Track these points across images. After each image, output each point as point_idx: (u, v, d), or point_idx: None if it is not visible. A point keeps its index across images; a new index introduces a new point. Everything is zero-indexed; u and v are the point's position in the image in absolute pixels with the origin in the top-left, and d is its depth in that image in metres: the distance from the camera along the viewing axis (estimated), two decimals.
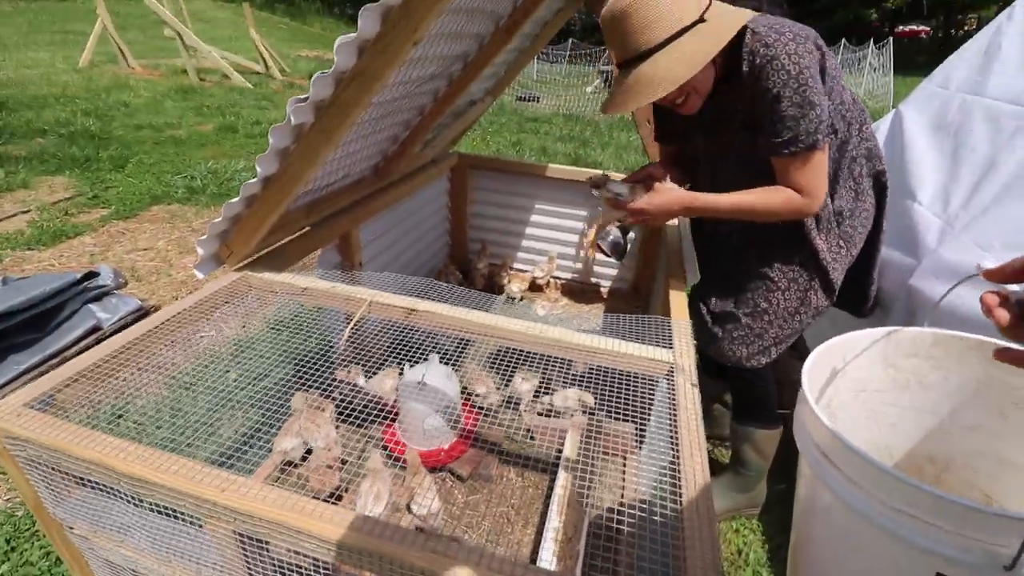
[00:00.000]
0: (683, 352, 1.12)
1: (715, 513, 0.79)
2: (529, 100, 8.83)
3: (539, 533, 1.52)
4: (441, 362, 1.64)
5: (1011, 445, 0.82)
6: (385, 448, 1.64)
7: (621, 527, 1.55)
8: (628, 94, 1.13)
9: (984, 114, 1.46)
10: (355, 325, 1.13)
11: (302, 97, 0.95)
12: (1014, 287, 0.53)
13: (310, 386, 1.30)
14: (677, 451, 0.90)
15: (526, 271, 2.78)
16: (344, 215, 1.60)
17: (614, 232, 2.47)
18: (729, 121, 1.26)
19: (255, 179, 1.04)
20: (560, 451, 1.71)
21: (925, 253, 1.36)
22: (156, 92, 6.98)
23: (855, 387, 0.86)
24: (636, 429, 1.57)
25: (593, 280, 2.81)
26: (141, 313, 2.12)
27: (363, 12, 0.87)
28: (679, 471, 0.87)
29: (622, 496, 1.56)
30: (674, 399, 1.01)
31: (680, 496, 0.83)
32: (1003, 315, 0.52)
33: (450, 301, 1.50)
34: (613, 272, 2.77)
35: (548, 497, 1.62)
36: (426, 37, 1.15)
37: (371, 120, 1.41)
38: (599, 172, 1.89)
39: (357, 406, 1.61)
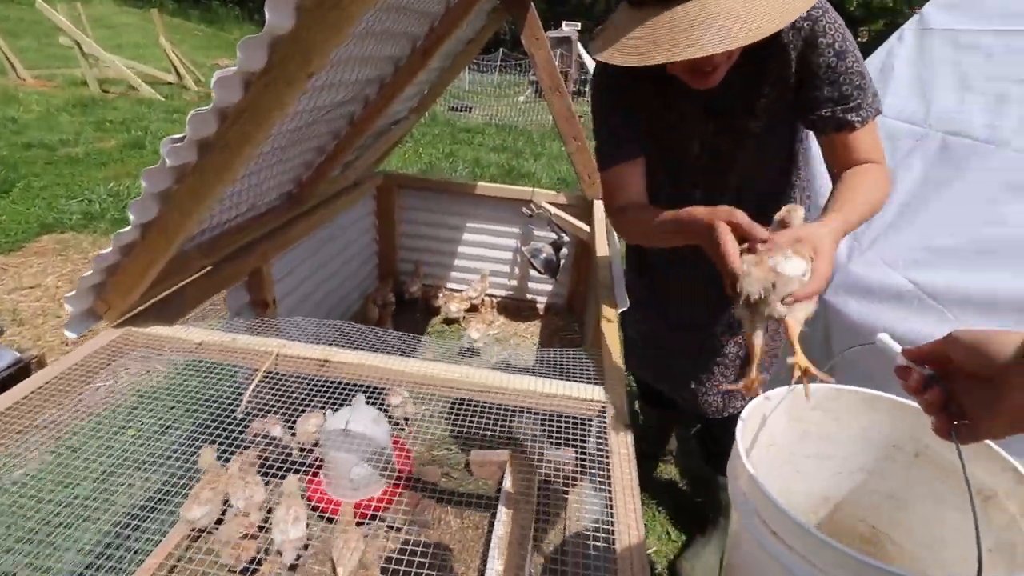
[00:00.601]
0: (614, 388, 1.09)
1: (646, 563, 0.75)
2: (461, 110, 8.78)
3: None
4: (368, 403, 1.54)
5: (895, 483, 0.88)
6: (309, 503, 1.51)
7: (565, 560, 1.51)
8: (703, 30, 0.73)
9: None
10: (258, 384, 1.02)
11: (178, 137, 0.83)
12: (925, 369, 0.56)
13: (220, 441, 1.17)
14: (610, 500, 0.86)
15: (461, 291, 2.71)
16: (251, 251, 1.46)
17: (547, 249, 2.45)
18: (748, 106, 1.00)
19: (128, 228, 0.91)
20: (500, 485, 1.64)
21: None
22: (50, 106, 6.35)
23: (768, 440, 0.88)
24: (577, 455, 1.53)
25: (528, 297, 2.78)
26: (19, 367, 1.86)
27: (243, 44, 0.77)
28: (613, 521, 0.83)
29: (564, 531, 1.52)
30: (606, 441, 0.97)
31: (614, 549, 0.79)
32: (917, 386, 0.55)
33: (372, 345, 1.41)
34: (548, 288, 2.75)
35: (488, 538, 1.55)
36: (328, 65, 1.06)
37: (275, 150, 1.29)
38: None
39: (276, 460, 1.48)
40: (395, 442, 1.66)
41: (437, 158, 5.78)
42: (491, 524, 1.57)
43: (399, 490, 1.57)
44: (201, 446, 1.44)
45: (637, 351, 1.43)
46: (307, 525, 1.32)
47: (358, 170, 2.18)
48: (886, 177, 0.93)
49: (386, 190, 2.52)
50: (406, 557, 1.15)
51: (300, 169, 1.65)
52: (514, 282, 2.76)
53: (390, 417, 1.82)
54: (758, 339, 0.76)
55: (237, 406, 1.19)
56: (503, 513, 1.52)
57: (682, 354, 1.28)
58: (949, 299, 1.09)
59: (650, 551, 1.59)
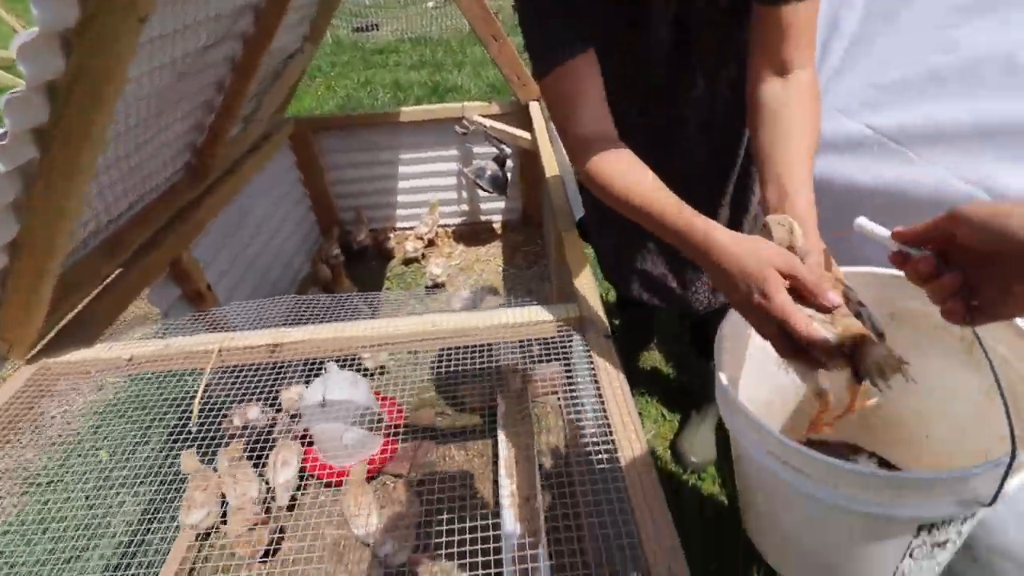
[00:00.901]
0: (587, 301, 1.04)
1: (651, 470, 0.74)
2: (368, 30, 7.96)
3: (497, 501, 1.48)
4: (341, 366, 1.47)
5: None
6: (311, 476, 1.48)
7: (571, 471, 1.55)
8: None
9: None
10: (205, 391, 0.93)
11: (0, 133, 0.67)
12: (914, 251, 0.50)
13: (199, 443, 1.11)
14: (607, 418, 0.84)
15: (412, 228, 2.58)
16: (163, 239, 1.30)
17: (490, 166, 2.31)
18: None
19: None
20: (493, 408, 1.65)
21: None
22: None
23: (757, 342, 0.86)
24: (564, 366, 1.53)
25: (483, 219, 2.67)
26: None
27: None
28: (611, 431, 0.81)
29: (566, 437, 1.55)
30: (590, 358, 0.93)
31: (620, 466, 0.78)
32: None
33: (329, 312, 1.32)
34: (501, 205, 2.64)
35: (496, 462, 1.57)
36: (160, 5, 0.87)
37: (145, 121, 1.10)
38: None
39: (263, 442, 1.43)
40: (379, 397, 1.63)
41: (353, 89, 5.31)
42: (495, 450, 1.59)
43: (398, 441, 1.56)
44: (180, 452, 1.37)
45: (610, 258, 1.37)
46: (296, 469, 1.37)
47: (263, 122, 1.94)
48: (819, 109, 0.76)
49: (301, 138, 2.28)
50: (423, 497, 1.14)
51: (192, 134, 1.44)
52: (465, 207, 2.63)
53: (367, 371, 1.77)
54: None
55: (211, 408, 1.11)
56: (503, 436, 1.53)
57: (660, 254, 1.21)
58: (909, 138, 1.04)
59: (648, 435, 1.65)
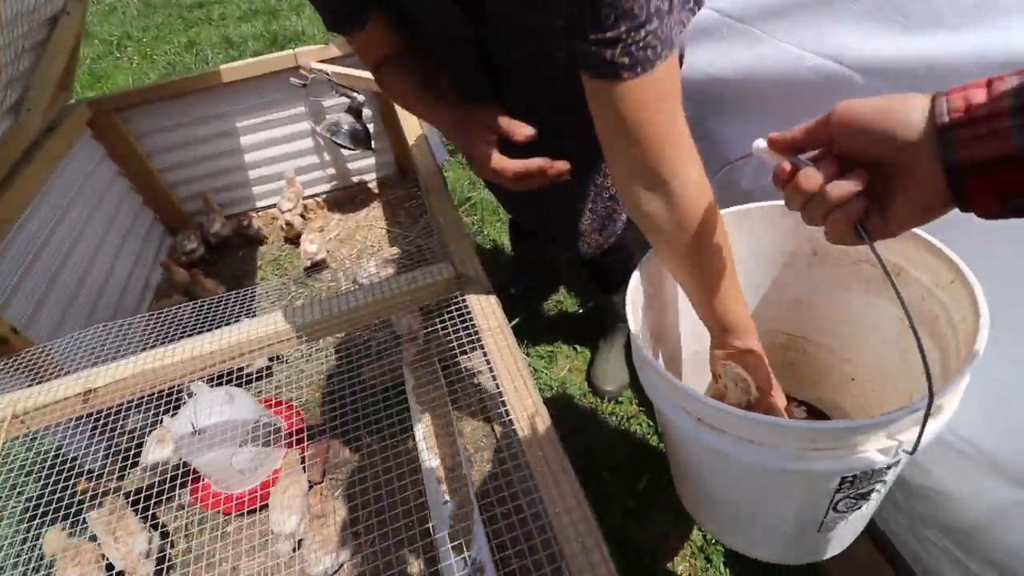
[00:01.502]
0: (462, 258, 0.93)
1: (555, 438, 0.68)
2: None
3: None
4: (212, 383, 1.28)
5: (799, 287, 0.84)
6: (213, 511, 1.31)
7: (490, 429, 1.50)
8: None
9: None
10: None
11: None
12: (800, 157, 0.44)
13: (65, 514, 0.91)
14: (497, 384, 0.75)
15: (273, 206, 2.29)
16: None
17: (345, 119, 2.05)
18: None
19: None
20: (402, 383, 1.54)
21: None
22: None
23: (673, 291, 0.81)
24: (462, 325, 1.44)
25: (355, 180, 2.42)
26: None
27: None
28: (502, 392, 0.73)
29: (480, 395, 1.48)
30: (472, 320, 0.84)
31: (510, 416, 0.70)
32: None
33: (198, 321, 1.12)
34: (371, 161, 2.40)
35: (414, 439, 1.48)
36: None
37: None
38: None
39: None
40: (269, 403, 1.46)
41: (176, 55, 4.56)
42: (412, 428, 1.50)
43: (303, 446, 1.41)
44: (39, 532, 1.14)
45: (499, 193, 1.25)
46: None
47: (39, 111, 1.55)
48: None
49: (104, 122, 1.88)
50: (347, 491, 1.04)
51: None
52: (331, 170, 2.36)
53: (250, 376, 1.58)
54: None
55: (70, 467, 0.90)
56: (416, 409, 1.44)
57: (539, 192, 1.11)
58: (753, 15, 0.99)
59: (563, 371, 1.63)
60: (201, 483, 1.31)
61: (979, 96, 0.36)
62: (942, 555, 0.80)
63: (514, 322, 1.71)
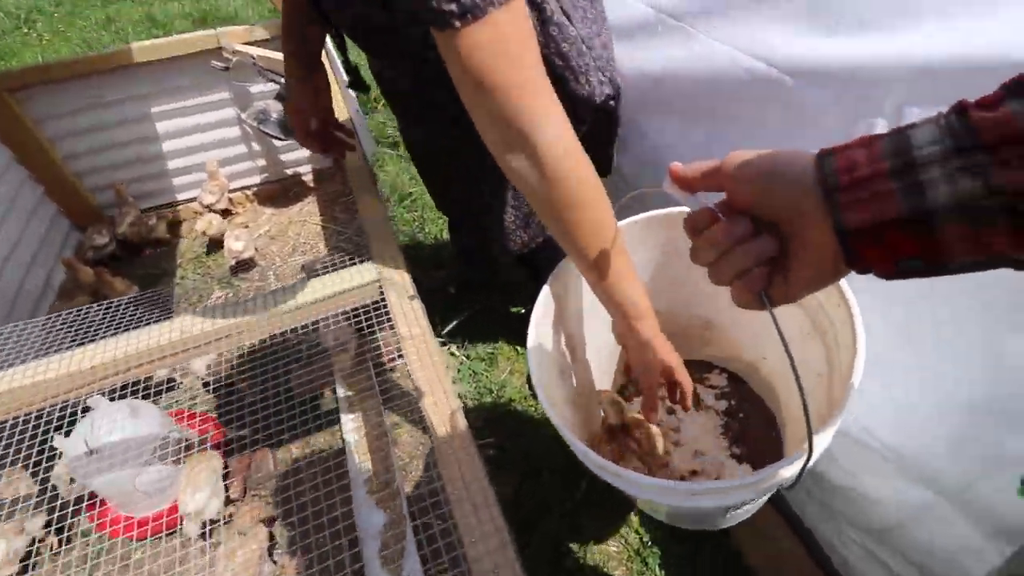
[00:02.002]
0: (385, 257, 0.86)
1: (468, 441, 0.64)
2: None
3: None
4: (112, 397, 1.15)
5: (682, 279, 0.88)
6: (115, 538, 1.19)
7: (428, 438, 1.44)
8: None
9: None
10: None
11: None
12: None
13: None
14: (418, 394, 0.70)
15: (193, 199, 2.12)
16: None
17: (273, 107, 1.91)
18: None
19: None
20: (333, 391, 1.46)
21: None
22: None
23: (576, 303, 0.84)
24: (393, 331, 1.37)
25: (289, 172, 2.28)
26: None
27: None
28: (421, 402, 0.68)
29: (413, 415, 1.42)
30: (394, 327, 0.78)
31: (427, 425, 0.66)
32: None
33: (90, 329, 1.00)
34: (305, 153, 2.26)
35: (344, 447, 1.40)
36: None
37: None
38: None
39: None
40: (181, 415, 1.34)
41: (92, 32, 4.20)
42: (343, 435, 1.42)
43: (224, 461, 1.30)
44: None
45: (428, 187, 1.21)
46: None
47: None
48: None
49: None
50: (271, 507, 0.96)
51: None
52: (261, 162, 2.21)
53: (159, 387, 1.45)
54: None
55: None
56: (348, 422, 1.36)
57: (455, 186, 1.07)
58: (686, 11, 0.97)
59: (504, 373, 1.59)
60: (98, 508, 1.18)
61: (859, 156, 0.33)
62: (866, 555, 0.82)
63: (451, 325, 1.65)
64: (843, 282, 0.65)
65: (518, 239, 1.10)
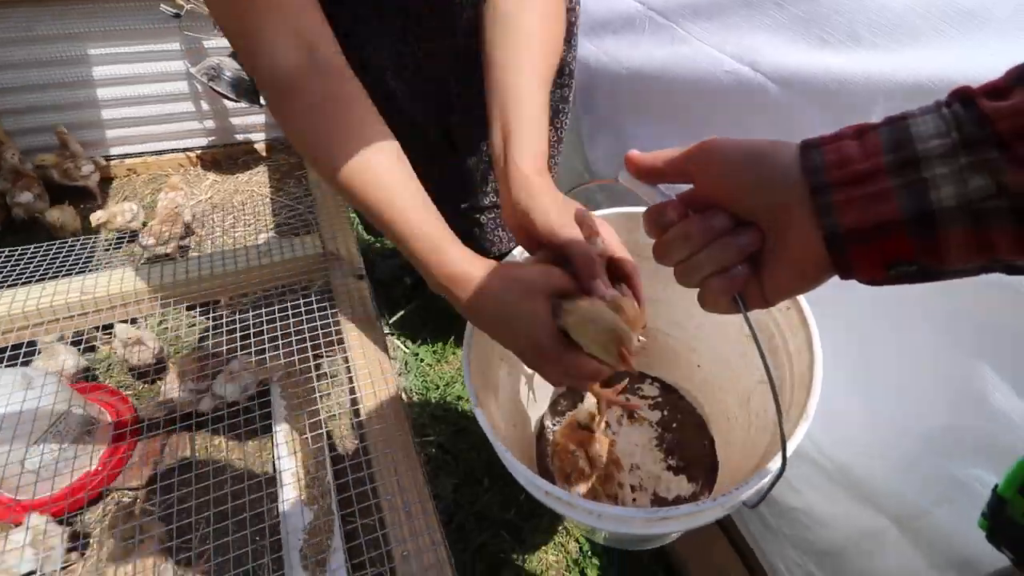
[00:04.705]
0: (333, 231, 0.79)
1: (407, 438, 0.58)
2: None
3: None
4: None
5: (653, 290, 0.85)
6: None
7: (364, 433, 1.36)
8: None
9: None
10: None
11: None
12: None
13: None
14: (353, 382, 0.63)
15: (141, 154, 1.94)
16: None
17: (228, 64, 1.77)
18: None
19: None
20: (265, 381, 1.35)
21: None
22: None
23: None
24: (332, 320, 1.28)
25: (240, 137, 2.14)
26: None
27: None
28: (359, 395, 0.62)
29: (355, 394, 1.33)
30: (335, 310, 0.70)
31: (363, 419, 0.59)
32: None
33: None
34: (262, 119, 2.13)
35: (274, 444, 1.30)
36: None
37: None
38: None
39: None
40: (89, 389, 1.20)
41: None
42: (272, 427, 1.31)
43: (136, 443, 1.17)
44: None
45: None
46: None
47: None
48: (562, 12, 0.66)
49: None
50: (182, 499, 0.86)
51: None
52: (209, 123, 2.06)
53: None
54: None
55: None
56: (279, 408, 1.25)
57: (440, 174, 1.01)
58: (675, 10, 0.94)
59: (451, 370, 1.52)
60: None
61: (851, 149, 0.30)
62: None
63: (398, 315, 1.57)
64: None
65: (498, 239, 1.04)
